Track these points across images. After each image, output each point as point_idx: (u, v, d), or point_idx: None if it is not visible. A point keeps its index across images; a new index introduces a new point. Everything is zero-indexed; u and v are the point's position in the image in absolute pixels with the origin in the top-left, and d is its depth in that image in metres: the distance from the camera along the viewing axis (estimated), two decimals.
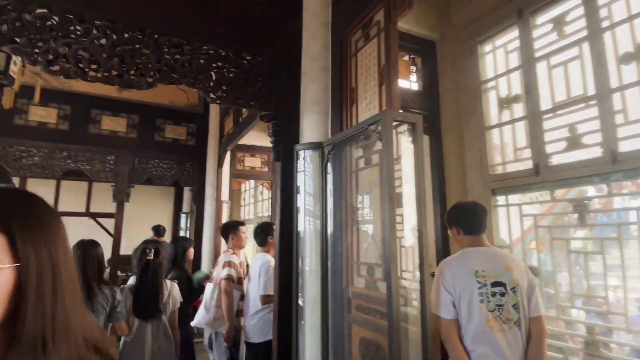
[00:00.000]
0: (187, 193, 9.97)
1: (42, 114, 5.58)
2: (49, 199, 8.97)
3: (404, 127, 1.88)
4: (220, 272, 3.05)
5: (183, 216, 9.79)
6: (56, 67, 1.95)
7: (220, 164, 6.29)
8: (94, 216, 9.38)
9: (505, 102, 2.76)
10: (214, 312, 3.04)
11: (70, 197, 9.44)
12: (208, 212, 6.32)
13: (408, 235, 1.93)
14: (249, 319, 2.99)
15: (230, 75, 2.35)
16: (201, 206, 6.40)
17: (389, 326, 1.65)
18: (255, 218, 8.44)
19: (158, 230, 5.63)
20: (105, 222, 9.67)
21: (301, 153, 2.43)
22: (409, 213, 1.84)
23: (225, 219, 6.46)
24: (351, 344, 2.08)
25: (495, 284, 1.66)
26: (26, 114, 5.49)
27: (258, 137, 6.96)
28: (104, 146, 5.88)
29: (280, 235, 2.55)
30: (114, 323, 2.30)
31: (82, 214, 9.34)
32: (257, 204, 8.46)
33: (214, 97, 2.29)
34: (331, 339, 2.22)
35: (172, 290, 2.74)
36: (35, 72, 5.46)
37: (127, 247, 6.72)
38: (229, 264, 3.04)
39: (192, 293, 3.40)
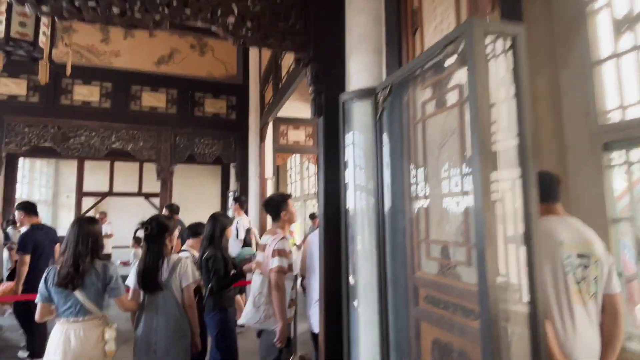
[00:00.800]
0: (233, 172, 9.86)
1: (85, 93, 5.52)
2: (104, 180, 9.25)
3: (495, 48, 1.29)
4: (269, 262, 2.55)
5: (230, 195, 9.71)
6: (46, 7, 1.60)
7: (262, 138, 5.94)
8: (146, 196, 9.61)
9: (626, 23, 2.02)
10: (265, 310, 2.55)
11: (124, 178, 9.70)
12: (252, 190, 6.04)
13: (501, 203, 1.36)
14: (312, 308, 2.59)
15: (257, 7, 1.86)
16: (245, 184, 6.14)
17: (482, 328, 1.13)
18: (302, 196, 8.09)
19: (171, 208, 5.41)
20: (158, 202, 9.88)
21: (348, 104, 1.92)
22: (501, 174, 1.27)
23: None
24: (420, 347, 1.59)
25: (580, 256, 1.56)
26: (71, 94, 5.45)
27: (301, 108, 6.50)
28: (145, 123, 5.74)
29: (324, 208, 2.07)
30: (114, 299, 2.28)
31: (135, 194, 9.60)
32: (303, 180, 8.10)
33: (237, 36, 1.83)
34: (392, 337, 1.74)
35: (177, 266, 2.46)
36: (73, 47, 5.39)
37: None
38: (279, 252, 2.50)
39: (228, 275, 3.04)
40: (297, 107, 6.43)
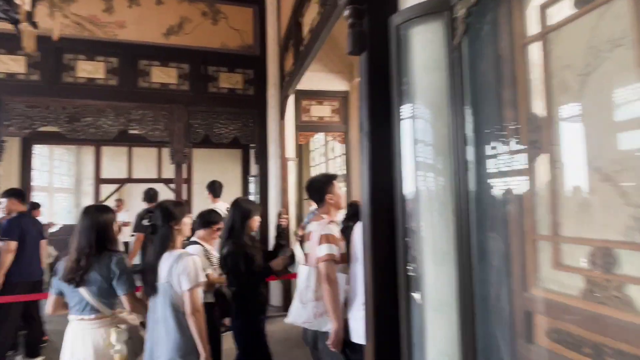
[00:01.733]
0: (253, 154, 9.34)
1: (89, 69, 5.04)
2: (123, 166, 8.94)
3: None
4: (316, 250, 2.04)
5: (251, 180, 9.23)
6: None
7: (282, 114, 5.32)
8: (166, 182, 9.25)
9: None
10: (313, 307, 2.04)
11: (143, 164, 9.38)
12: (273, 172, 5.47)
13: None
14: (355, 312, 2.01)
15: None
16: (265, 166, 5.57)
17: None
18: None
19: (149, 195, 4.75)
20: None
21: (406, 29, 1.26)
22: None
23: (292, 179, 5.57)
24: None
25: None
26: (74, 70, 4.98)
27: (325, 79, 5.82)
28: (155, 101, 5.23)
29: (370, 192, 1.43)
30: (121, 296, 2.03)
31: (155, 180, 9.26)
32: (329, 162, 7.46)
33: None
34: None
35: (177, 264, 1.93)
36: (73, 18, 4.90)
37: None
38: (327, 238, 2.03)
39: (253, 275, 2.46)
40: (321, 78, 5.76)
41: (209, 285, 2.62)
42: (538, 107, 0.99)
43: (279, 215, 2.78)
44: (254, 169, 9.28)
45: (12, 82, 4.68)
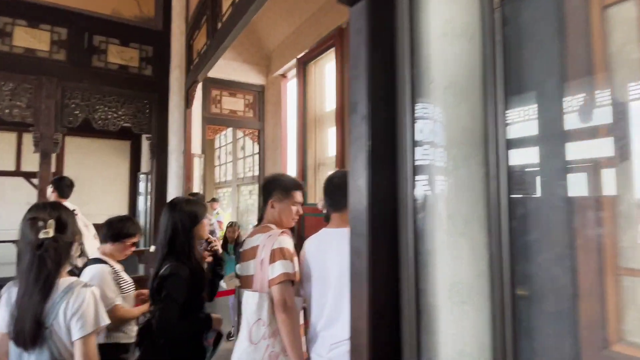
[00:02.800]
0: (145, 150, 8.18)
1: None
2: None
3: None
4: (266, 271, 1.53)
5: (142, 177, 8.05)
6: None
7: (188, 102, 4.60)
8: (27, 176, 7.47)
9: None
10: (268, 347, 1.50)
11: None
12: (173, 170, 4.67)
13: None
14: (319, 348, 1.50)
15: None
16: (163, 161, 4.74)
17: None
18: (235, 180, 6.84)
19: (59, 185, 3.43)
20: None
21: None
22: None
23: (197, 179, 4.85)
24: None
25: None
26: None
27: (239, 70, 5.27)
28: (16, 70, 4.04)
29: (370, 195, 0.98)
30: None
31: (11, 173, 7.42)
32: (237, 162, 6.84)
33: None
34: None
35: (63, 301, 1.27)
36: None
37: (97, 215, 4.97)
38: (281, 253, 1.53)
39: (201, 303, 1.81)
40: (234, 68, 5.19)
41: (120, 321, 1.91)
42: (622, 91, 0.72)
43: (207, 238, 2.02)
44: (146, 164, 8.12)
45: None
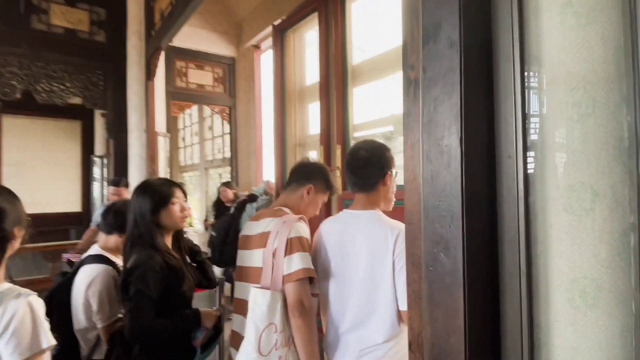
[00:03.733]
0: (99, 129, 7.42)
1: None
2: None
3: None
4: (280, 263, 1.23)
5: (97, 161, 7.32)
6: None
7: (150, 73, 4.05)
8: None
9: None
10: (280, 357, 1.21)
11: None
12: (135, 151, 4.14)
13: None
14: (360, 355, 1.20)
15: None
16: (123, 142, 4.20)
17: None
18: (203, 162, 6.33)
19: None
20: None
21: None
22: None
23: (162, 161, 4.35)
24: None
25: None
26: None
27: (207, 39, 4.75)
28: None
29: (466, 175, 0.66)
30: None
31: None
32: (204, 143, 6.32)
33: None
34: None
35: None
36: None
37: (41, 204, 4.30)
38: (299, 244, 1.23)
39: (183, 301, 1.46)
40: (202, 37, 4.67)
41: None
42: None
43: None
44: (101, 147, 7.38)
45: None
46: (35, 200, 7.33)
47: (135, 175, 4.14)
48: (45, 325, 0.93)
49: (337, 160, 3.14)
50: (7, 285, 0.98)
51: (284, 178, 4.01)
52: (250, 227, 1.38)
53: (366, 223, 1.23)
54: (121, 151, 4.18)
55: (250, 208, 3.05)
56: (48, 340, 0.93)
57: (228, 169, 5.66)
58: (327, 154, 3.32)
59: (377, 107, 3.10)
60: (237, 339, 1.33)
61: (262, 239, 1.27)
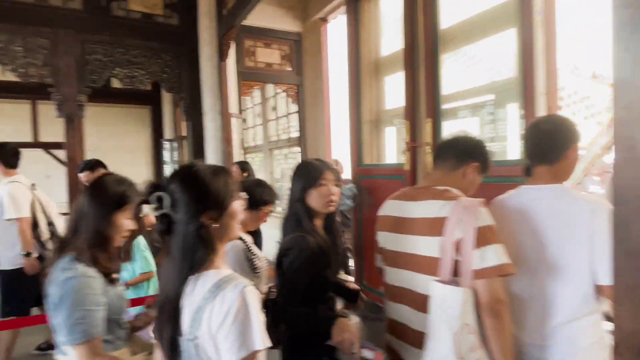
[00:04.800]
0: (168, 115, 7.72)
1: None
2: None
3: None
4: (468, 255, 1.06)
5: (166, 145, 7.64)
6: None
7: (223, 54, 4.04)
8: (46, 147, 7.11)
9: None
10: None
11: (10, 123, 7.05)
12: (210, 133, 4.19)
13: None
14: (555, 331, 1.14)
15: None
16: (199, 124, 4.26)
17: None
18: (267, 144, 6.36)
19: (1, 154, 3.02)
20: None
21: None
22: None
23: (236, 142, 4.38)
24: None
25: None
26: None
27: (273, 16, 4.64)
28: (28, 23, 3.51)
29: None
30: None
31: (31, 145, 7.04)
32: (268, 124, 6.32)
33: None
34: None
35: (207, 303, 0.87)
36: None
37: None
38: (492, 233, 1.08)
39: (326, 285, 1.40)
40: (268, 14, 4.56)
41: None
42: None
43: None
44: (170, 131, 7.67)
45: None
46: None
47: (212, 157, 4.20)
48: (259, 321, 0.85)
49: (426, 136, 2.93)
50: (228, 272, 0.93)
51: (359, 156, 3.88)
52: (403, 208, 1.25)
53: (554, 197, 1.10)
54: (197, 134, 4.25)
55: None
56: (262, 340, 0.84)
57: (294, 149, 5.62)
58: (413, 129, 3.12)
59: (471, 75, 2.83)
60: (400, 330, 1.25)
61: (435, 225, 1.12)
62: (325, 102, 4.59)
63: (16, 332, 2.91)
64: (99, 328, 1.12)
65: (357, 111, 3.85)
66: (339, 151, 4.75)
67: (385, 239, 1.32)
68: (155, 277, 2.65)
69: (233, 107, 4.28)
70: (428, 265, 1.13)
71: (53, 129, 6.92)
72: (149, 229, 2.38)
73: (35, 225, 3.00)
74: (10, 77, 6.14)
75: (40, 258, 2.95)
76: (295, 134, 5.40)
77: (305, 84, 4.83)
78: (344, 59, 3.97)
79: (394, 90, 3.81)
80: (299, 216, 1.30)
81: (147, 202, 0.93)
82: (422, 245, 1.17)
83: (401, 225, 1.24)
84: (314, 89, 4.74)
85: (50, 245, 3.01)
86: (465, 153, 1.26)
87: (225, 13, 3.89)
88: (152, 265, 2.65)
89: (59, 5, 3.64)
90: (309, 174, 1.34)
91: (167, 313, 0.89)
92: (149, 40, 3.98)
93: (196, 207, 0.90)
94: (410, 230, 1.21)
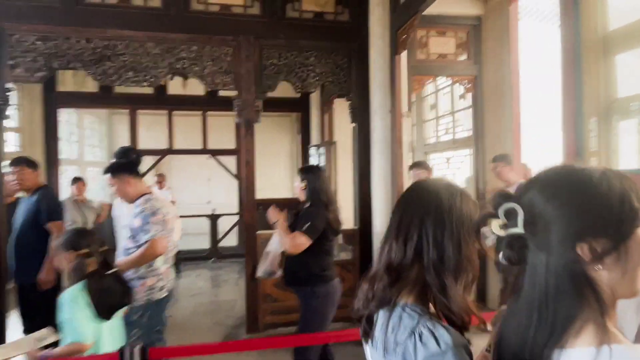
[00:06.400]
0: (315, 121, 7.75)
1: None
2: (161, 136, 7.54)
3: None
4: None
5: (312, 150, 7.67)
6: None
7: (398, 47, 3.63)
8: (214, 153, 7.85)
9: None
10: None
11: (181, 133, 7.96)
12: (378, 135, 3.81)
13: None
14: None
15: None
16: (366, 125, 3.94)
17: None
18: (424, 146, 5.76)
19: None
20: (225, 160, 8.10)
21: None
22: None
23: (406, 144, 3.92)
24: None
25: None
26: None
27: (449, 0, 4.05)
28: (214, 32, 3.66)
29: None
30: None
31: (200, 152, 7.86)
32: (438, 120, 5.70)
33: None
34: None
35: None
36: None
37: (262, 190, 4.70)
38: None
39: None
40: None
41: None
42: None
43: None
44: (317, 137, 7.71)
45: (16, 5, 3.20)
46: (263, 187, 8.27)
47: (379, 162, 3.83)
48: None
49: None
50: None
51: (580, 157, 3.02)
52: None
53: None
54: (365, 135, 3.93)
55: None
56: None
57: (460, 152, 4.92)
58: None
59: None
60: None
61: None
62: (513, 94, 3.81)
63: None
64: None
65: (575, 100, 2.99)
66: (531, 153, 3.90)
67: None
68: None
69: (404, 105, 3.84)
70: None
71: (216, 137, 7.61)
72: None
73: None
74: (180, 88, 6.83)
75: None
76: (463, 133, 4.69)
77: (484, 74, 4.11)
78: (537, 44, 3.17)
79: (630, 72, 2.87)
80: None
81: (494, 215, 0.67)
82: None
83: None
84: (496, 80, 3.99)
85: None
86: None
87: (402, 1, 3.48)
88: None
89: (241, 12, 3.73)
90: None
91: None
92: (320, 40, 3.82)
93: (575, 230, 0.60)
94: None
